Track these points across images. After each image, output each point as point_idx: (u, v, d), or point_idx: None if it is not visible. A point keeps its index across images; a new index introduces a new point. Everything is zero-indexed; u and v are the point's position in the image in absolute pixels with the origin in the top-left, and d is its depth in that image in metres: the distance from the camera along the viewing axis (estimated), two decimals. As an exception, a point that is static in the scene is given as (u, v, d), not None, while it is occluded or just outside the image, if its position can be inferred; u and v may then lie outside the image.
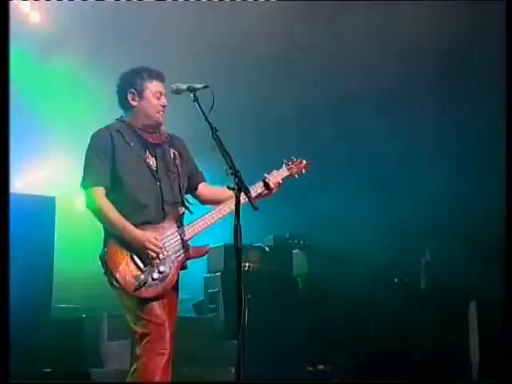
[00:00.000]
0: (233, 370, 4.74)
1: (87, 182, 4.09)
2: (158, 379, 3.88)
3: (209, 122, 3.86)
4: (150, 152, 4.19)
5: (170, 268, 4.02)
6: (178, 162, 4.26)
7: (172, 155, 4.26)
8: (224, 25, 8.59)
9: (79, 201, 9.42)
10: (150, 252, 3.96)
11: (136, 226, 4.01)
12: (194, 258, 4.15)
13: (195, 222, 4.15)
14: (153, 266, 3.97)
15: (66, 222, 8.47)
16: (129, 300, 3.96)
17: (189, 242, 4.12)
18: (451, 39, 8.41)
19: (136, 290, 3.91)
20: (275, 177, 4.38)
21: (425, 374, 7.95)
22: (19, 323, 5.11)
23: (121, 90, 4.24)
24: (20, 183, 9.12)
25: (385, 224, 8.95)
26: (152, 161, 4.17)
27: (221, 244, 8.09)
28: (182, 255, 4.09)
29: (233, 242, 3.60)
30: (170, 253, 4.04)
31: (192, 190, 4.41)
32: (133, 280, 3.92)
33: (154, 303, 3.96)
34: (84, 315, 7.27)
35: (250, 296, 7.26)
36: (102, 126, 4.26)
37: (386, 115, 8.91)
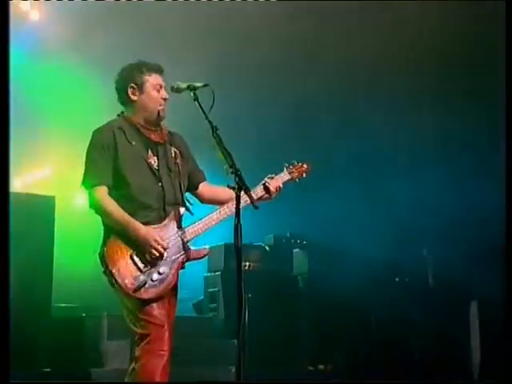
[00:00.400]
0: (233, 370, 4.74)
1: (89, 181, 4.07)
2: (157, 380, 3.88)
3: (209, 121, 3.85)
4: (151, 151, 4.16)
5: (170, 269, 4.00)
6: (178, 160, 4.24)
7: (173, 154, 4.24)
8: (225, 25, 8.60)
9: (79, 200, 9.45)
10: (154, 251, 3.95)
11: None
12: (194, 260, 4.13)
13: (196, 223, 4.13)
14: (153, 266, 3.96)
15: (66, 222, 8.47)
16: (128, 300, 3.96)
17: (189, 244, 4.11)
18: (451, 39, 8.44)
19: (135, 290, 3.90)
20: (276, 181, 4.37)
21: (425, 373, 7.96)
22: (18, 322, 5.11)
23: (120, 85, 4.22)
24: (19, 182, 9.12)
25: (386, 223, 8.96)
26: (154, 160, 4.15)
27: (221, 243, 8.10)
28: (182, 257, 4.07)
29: (233, 241, 3.60)
30: (170, 254, 4.02)
31: (192, 188, 4.39)
32: (132, 280, 3.91)
33: (154, 304, 3.95)
34: (84, 314, 7.26)
35: (250, 295, 7.27)
36: (101, 124, 4.24)
37: (388, 116, 8.93)
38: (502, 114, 5.63)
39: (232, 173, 3.70)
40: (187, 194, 4.31)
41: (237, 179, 3.70)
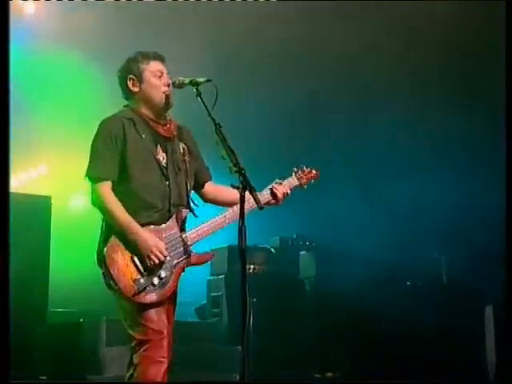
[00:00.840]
0: (237, 377, 4.73)
1: (94, 174, 4.02)
2: None
3: (212, 118, 3.85)
4: (160, 146, 4.12)
5: (172, 274, 3.99)
6: (187, 158, 4.21)
7: (182, 150, 4.21)
8: (230, 22, 8.65)
9: (76, 200, 9.47)
10: (154, 258, 3.93)
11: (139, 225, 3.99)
12: (196, 264, 4.11)
13: (199, 226, 4.11)
14: (154, 269, 3.95)
15: (62, 222, 8.49)
16: (127, 304, 3.94)
17: (191, 248, 4.08)
18: (451, 39, 8.50)
19: (135, 294, 3.88)
20: (283, 187, 4.34)
21: (439, 375, 7.95)
22: (13, 328, 5.12)
23: (121, 80, 4.21)
24: (15, 182, 9.14)
25: (396, 225, 8.96)
26: (162, 156, 4.11)
27: (225, 245, 8.10)
28: (184, 261, 4.05)
29: (237, 243, 3.59)
30: (171, 258, 4.01)
31: (198, 187, 4.36)
32: (132, 284, 3.89)
33: (154, 309, 3.93)
34: (81, 319, 7.28)
35: (255, 299, 7.26)
36: (98, 120, 4.23)
37: (392, 118, 8.98)
38: (502, 114, 5.67)
39: (236, 172, 3.69)
40: (192, 195, 4.29)
41: (241, 178, 3.69)
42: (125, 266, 3.91)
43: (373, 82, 9.05)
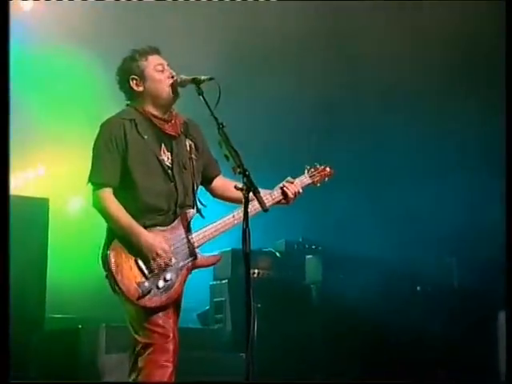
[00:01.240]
0: (241, 386, 4.74)
1: (95, 180, 4.05)
2: None
3: (215, 117, 3.86)
4: (165, 145, 4.13)
5: (177, 276, 4.00)
6: (193, 155, 4.22)
7: (188, 147, 4.22)
8: (235, 22, 8.69)
9: (75, 202, 9.48)
10: (159, 260, 3.94)
11: (143, 228, 4.00)
12: (203, 267, 4.12)
13: (206, 227, 4.12)
14: (159, 272, 3.95)
15: (61, 226, 8.49)
16: (131, 308, 3.95)
17: (198, 250, 4.09)
18: (451, 39, 8.54)
19: (139, 298, 3.89)
20: (295, 185, 4.33)
21: (450, 381, 7.95)
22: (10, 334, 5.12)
23: (122, 82, 4.21)
24: (12, 183, 9.14)
25: (405, 229, 8.95)
26: (167, 156, 4.12)
27: (228, 249, 8.10)
28: (190, 263, 4.06)
29: (241, 247, 3.59)
30: (177, 260, 4.02)
31: (206, 183, 4.37)
32: (136, 287, 3.90)
33: (160, 313, 3.94)
34: (80, 326, 7.27)
35: (259, 305, 7.27)
36: (98, 119, 4.24)
37: (404, 119, 9.03)
38: (502, 119, 5.70)
39: (239, 173, 3.70)
40: (199, 193, 4.29)
41: (245, 180, 3.69)
42: (128, 269, 3.93)
43: (383, 82, 9.10)
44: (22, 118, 8.66)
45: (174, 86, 4.13)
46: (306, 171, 4.47)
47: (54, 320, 7.95)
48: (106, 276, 3.95)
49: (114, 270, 3.90)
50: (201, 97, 3.96)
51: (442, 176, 9.09)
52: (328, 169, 4.55)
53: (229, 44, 8.78)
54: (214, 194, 4.43)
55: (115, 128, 4.08)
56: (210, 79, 4.01)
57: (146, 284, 3.92)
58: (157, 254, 3.94)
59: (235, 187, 3.79)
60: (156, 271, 3.95)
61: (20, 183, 9.28)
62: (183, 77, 4.11)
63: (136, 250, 3.94)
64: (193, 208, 4.15)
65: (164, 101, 4.16)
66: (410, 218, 9.04)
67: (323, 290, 8.64)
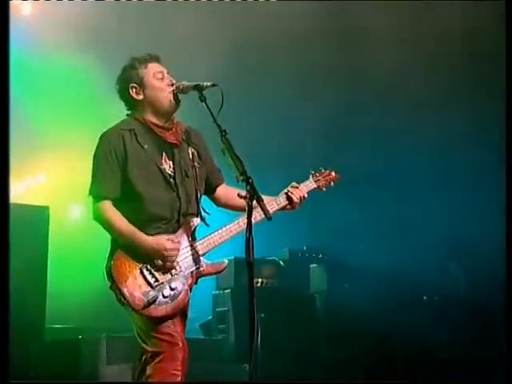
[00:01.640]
0: (244, 397, 4.73)
1: (95, 193, 4.08)
2: None
3: (217, 124, 3.87)
4: (166, 154, 4.15)
5: (183, 285, 4.01)
6: (196, 163, 4.23)
7: (190, 155, 4.23)
8: (239, 25, 8.73)
9: (75, 210, 9.49)
10: (168, 258, 3.96)
11: None
12: (209, 275, 4.13)
13: (211, 234, 4.13)
14: (164, 281, 3.95)
15: (61, 234, 8.50)
16: (138, 317, 3.97)
17: (203, 258, 4.10)
18: (450, 40, 8.57)
19: (145, 307, 3.90)
20: (300, 190, 4.34)
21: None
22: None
23: (122, 91, 4.23)
24: (12, 192, 9.15)
25: (411, 239, 8.95)
26: (169, 165, 4.14)
27: (231, 258, 8.07)
28: (196, 271, 4.07)
29: (244, 256, 3.60)
30: (182, 268, 4.03)
31: (209, 192, 4.39)
32: (142, 297, 3.91)
33: (167, 322, 3.95)
34: (80, 336, 7.28)
35: (263, 315, 7.26)
36: (99, 127, 4.26)
37: (410, 126, 9.06)
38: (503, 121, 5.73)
39: (243, 180, 3.71)
40: (202, 202, 4.29)
41: (248, 187, 3.69)
42: (133, 278, 3.94)
43: (384, 83, 9.14)
44: (22, 125, 8.69)
45: (174, 94, 4.15)
46: (310, 176, 4.49)
47: (54, 330, 7.95)
48: (111, 287, 3.97)
49: (118, 281, 3.92)
50: (203, 103, 3.97)
51: (446, 185, 9.11)
52: (333, 173, 4.56)
53: (232, 46, 8.81)
54: (218, 203, 4.45)
55: (114, 139, 4.10)
56: (213, 85, 4.01)
57: (152, 293, 3.93)
58: (162, 255, 3.95)
59: (238, 195, 3.81)
60: (161, 280, 3.96)
61: (20, 191, 9.30)
62: (185, 83, 4.12)
63: (141, 255, 3.96)
64: (197, 216, 4.16)
65: (164, 109, 4.17)
66: (416, 227, 9.04)
67: (328, 300, 8.63)
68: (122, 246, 3.99)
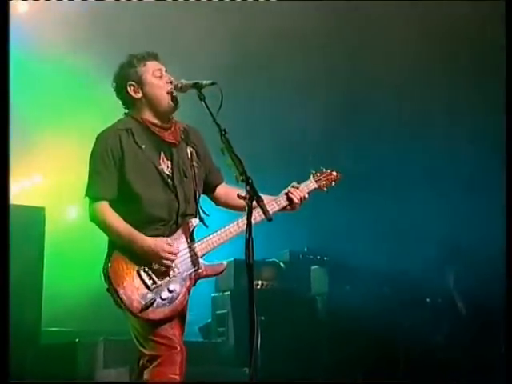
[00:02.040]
0: (244, 401, 4.73)
1: (92, 194, 4.07)
2: None
3: (217, 123, 3.86)
4: (164, 154, 4.14)
5: (181, 287, 4.00)
6: (194, 163, 4.22)
7: (189, 155, 4.22)
8: (239, 24, 8.76)
9: (72, 211, 9.49)
10: (164, 261, 3.95)
11: None
12: (208, 276, 4.12)
13: (210, 236, 4.12)
14: (162, 283, 3.95)
15: (57, 236, 8.50)
16: (136, 320, 3.96)
17: (202, 259, 4.10)
18: (450, 40, 8.61)
19: (142, 310, 3.89)
20: (300, 191, 4.34)
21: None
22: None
23: (119, 89, 4.22)
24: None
25: (413, 240, 8.96)
26: (167, 165, 4.12)
27: (230, 259, 8.08)
28: (194, 273, 4.06)
29: (244, 257, 3.59)
30: (181, 270, 4.02)
31: (208, 191, 4.39)
32: (139, 299, 3.90)
33: (164, 325, 3.95)
34: (77, 339, 7.27)
35: (263, 318, 7.26)
36: (96, 127, 4.25)
37: (403, 128, 9.10)
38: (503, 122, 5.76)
39: (242, 181, 3.70)
40: (201, 202, 4.29)
41: (248, 188, 3.69)
42: (131, 281, 3.93)
43: (384, 84, 9.18)
44: (18, 126, 8.69)
45: (173, 93, 4.14)
46: (311, 176, 4.48)
47: (51, 333, 7.95)
48: (108, 290, 3.95)
49: (115, 283, 3.91)
50: (203, 102, 3.96)
51: (446, 186, 9.11)
52: (334, 173, 4.55)
53: (232, 45, 8.83)
54: (218, 203, 4.45)
55: (111, 139, 4.09)
56: (212, 84, 4.01)
57: (149, 295, 3.92)
58: (160, 257, 3.95)
59: (238, 196, 3.80)
60: (159, 282, 3.95)
61: (16, 192, 9.29)
62: (184, 82, 4.11)
63: (138, 256, 3.95)
64: (195, 217, 4.16)
65: (163, 107, 4.16)
66: (417, 228, 9.04)
67: (329, 302, 8.63)
68: (120, 247, 3.98)
